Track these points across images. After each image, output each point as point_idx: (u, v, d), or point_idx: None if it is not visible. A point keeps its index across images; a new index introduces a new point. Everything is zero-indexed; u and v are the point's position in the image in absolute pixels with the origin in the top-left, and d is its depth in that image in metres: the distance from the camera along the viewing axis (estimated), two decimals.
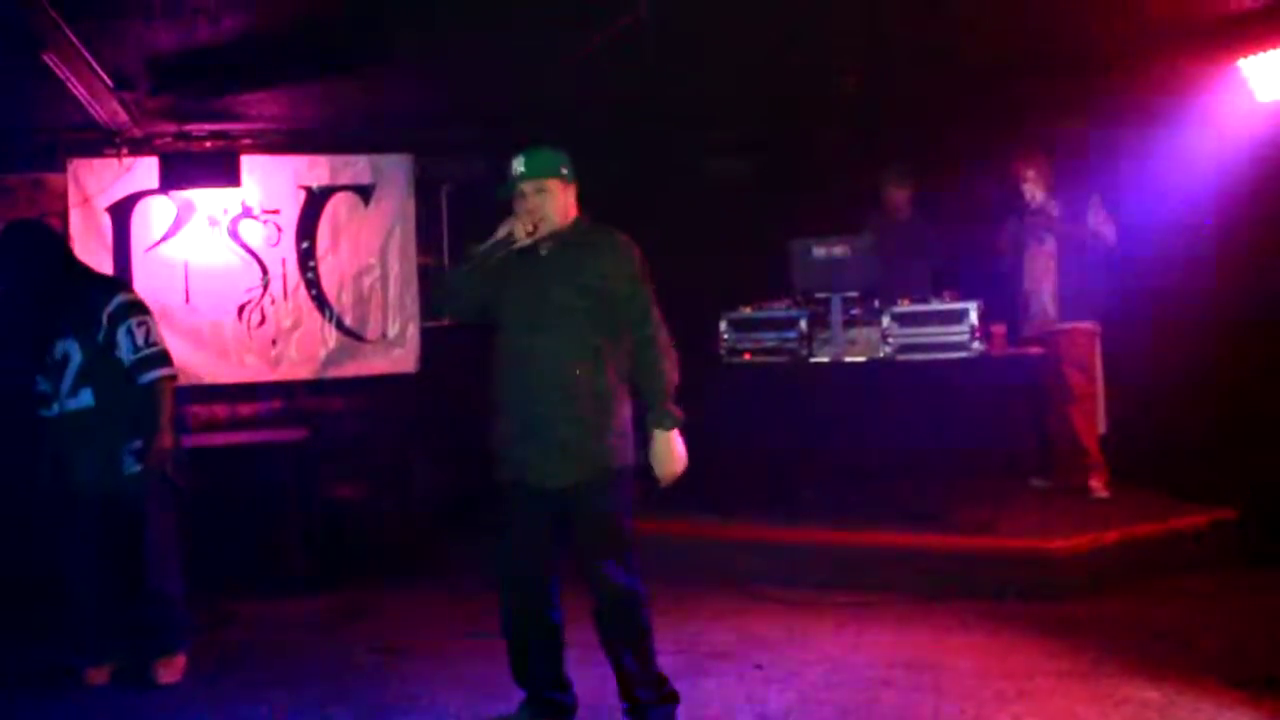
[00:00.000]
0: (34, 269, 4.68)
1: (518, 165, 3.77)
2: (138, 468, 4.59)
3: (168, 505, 4.70)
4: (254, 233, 7.60)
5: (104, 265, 7.31)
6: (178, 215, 7.45)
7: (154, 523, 4.64)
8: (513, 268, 3.76)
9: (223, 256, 7.53)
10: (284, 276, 7.65)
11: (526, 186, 3.75)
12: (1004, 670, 4.36)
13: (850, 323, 6.21)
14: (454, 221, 8.00)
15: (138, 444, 4.60)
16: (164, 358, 4.72)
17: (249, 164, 7.27)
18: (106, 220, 7.33)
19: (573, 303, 3.73)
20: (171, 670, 4.67)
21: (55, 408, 4.63)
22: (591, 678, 4.08)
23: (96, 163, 7.26)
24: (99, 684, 4.62)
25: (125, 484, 4.60)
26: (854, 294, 6.23)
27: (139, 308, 4.74)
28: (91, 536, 4.64)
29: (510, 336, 3.82)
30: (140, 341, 4.65)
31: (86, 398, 4.60)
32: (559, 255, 3.79)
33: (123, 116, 6.61)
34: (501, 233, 3.73)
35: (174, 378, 4.75)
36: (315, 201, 7.73)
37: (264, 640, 5.35)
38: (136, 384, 4.62)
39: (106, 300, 4.67)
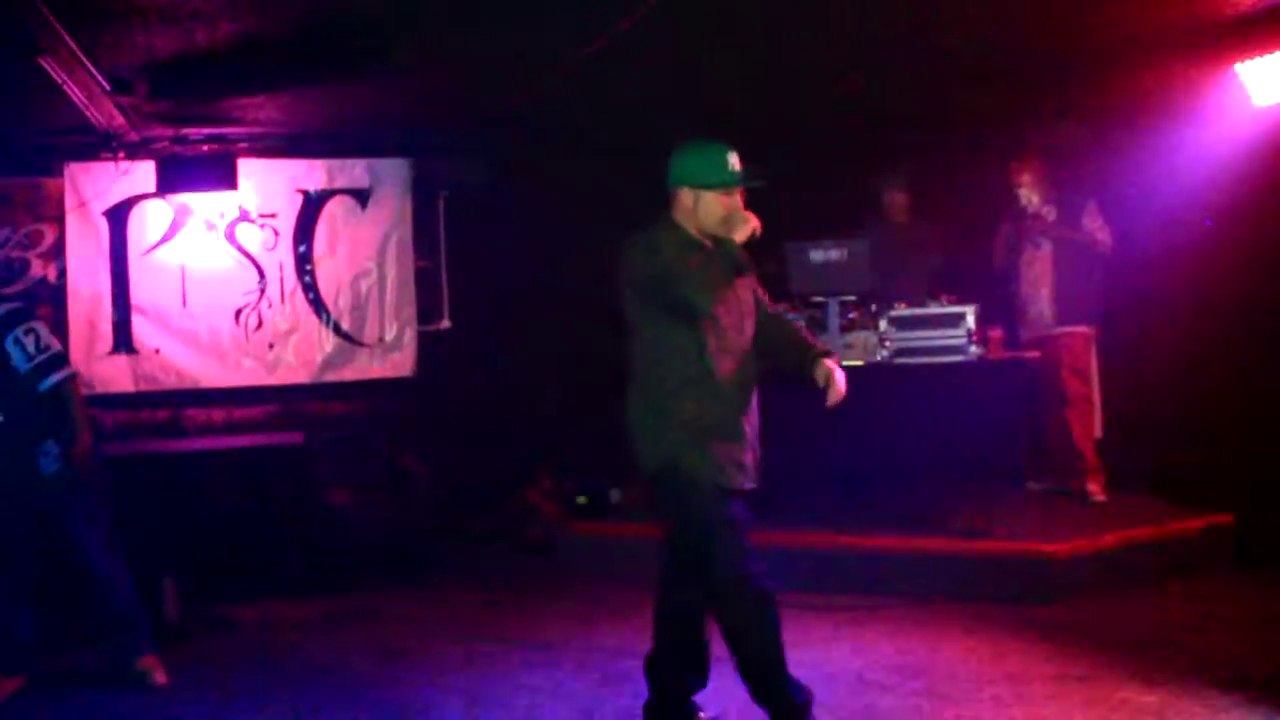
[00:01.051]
0: None
1: (736, 163, 3.65)
2: (54, 467, 4.54)
3: (97, 504, 4.67)
4: (251, 236, 7.60)
5: (101, 269, 7.33)
6: (175, 219, 7.46)
7: (86, 524, 4.62)
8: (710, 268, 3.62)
9: (220, 260, 7.54)
10: (281, 280, 7.65)
11: (739, 190, 3.67)
12: (1000, 674, 4.36)
13: (847, 326, 6.21)
14: (451, 225, 8.01)
15: (51, 446, 4.54)
16: (59, 360, 4.64)
17: (246, 168, 7.28)
18: (103, 224, 7.33)
19: (755, 306, 3.81)
20: (160, 669, 4.68)
21: None
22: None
23: (93, 166, 7.27)
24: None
25: (46, 486, 4.55)
26: (851, 297, 6.23)
27: (21, 315, 4.65)
28: (14, 546, 4.61)
29: (719, 338, 3.61)
30: (31, 349, 4.56)
31: None
32: (736, 261, 3.70)
33: (120, 120, 6.61)
34: (749, 229, 3.58)
35: (74, 377, 4.69)
36: (312, 205, 7.74)
37: (261, 644, 5.34)
38: (45, 381, 4.55)
39: None
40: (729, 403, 3.63)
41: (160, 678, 4.65)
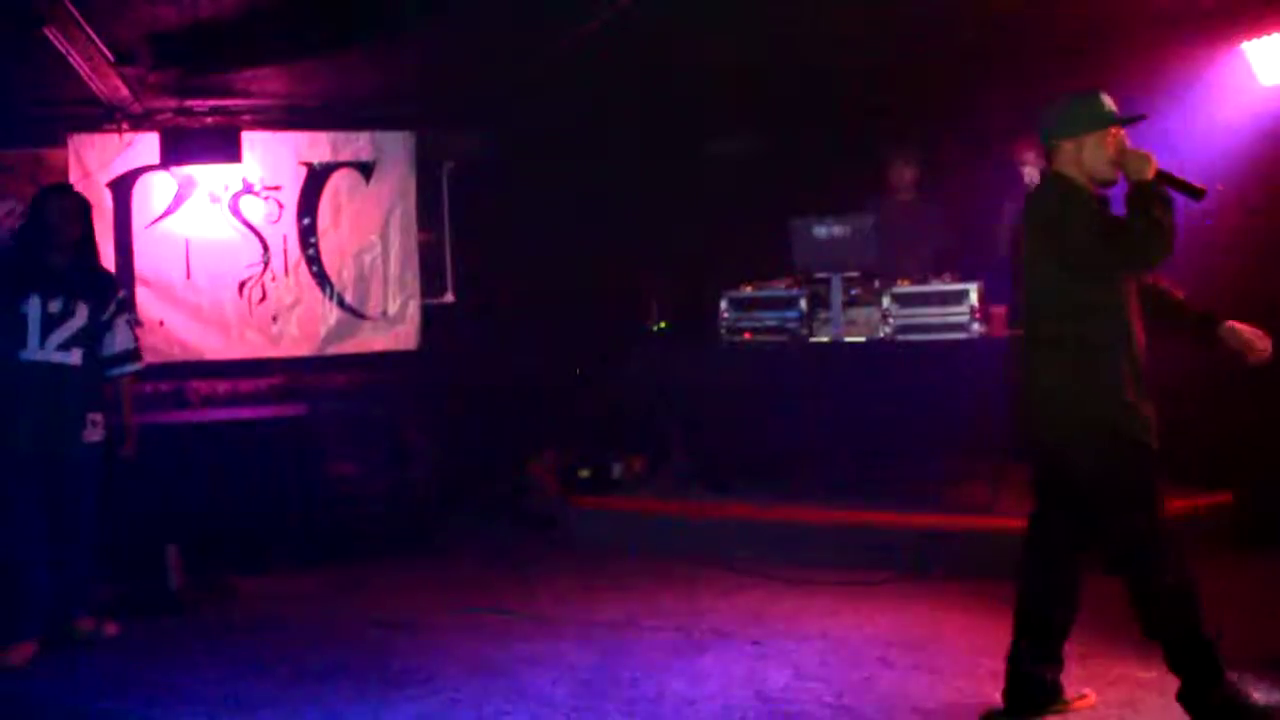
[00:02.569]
0: (84, 223, 4.99)
1: (1111, 103, 3.63)
2: (96, 438, 4.85)
3: (100, 475, 4.96)
4: (255, 209, 7.60)
5: (105, 242, 7.31)
6: (179, 191, 7.45)
7: (94, 492, 4.90)
8: None
9: (224, 233, 7.53)
10: (285, 253, 7.66)
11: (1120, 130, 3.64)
12: (998, 649, 4.35)
13: (851, 303, 6.22)
14: (455, 199, 8.00)
15: (99, 418, 4.86)
16: (140, 355, 5.21)
17: (250, 140, 7.26)
18: (107, 196, 7.32)
19: None
20: (109, 622, 4.96)
21: (33, 353, 4.73)
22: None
23: (97, 138, 7.25)
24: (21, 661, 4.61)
25: (81, 450, 4.80)
26: (855, 274, 6.24)
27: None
28: (39, 504, 4.74)
29: (1130, 295, 3.68)
30: (134, 334, 5.14)
31: (76, 357, 4.81)
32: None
33: (124, 91, 6.60)
34: (1153, 164, 3.60)
35: (138, 374, 5.22)
36: (316, 178, 7.73)
37: (264, 614, 5.38)
38: (120, 368, 5.03)
39: (117, 285, 5.14)
40: (1142, 363, 3.62)
41: (111, 629, 4.93)
